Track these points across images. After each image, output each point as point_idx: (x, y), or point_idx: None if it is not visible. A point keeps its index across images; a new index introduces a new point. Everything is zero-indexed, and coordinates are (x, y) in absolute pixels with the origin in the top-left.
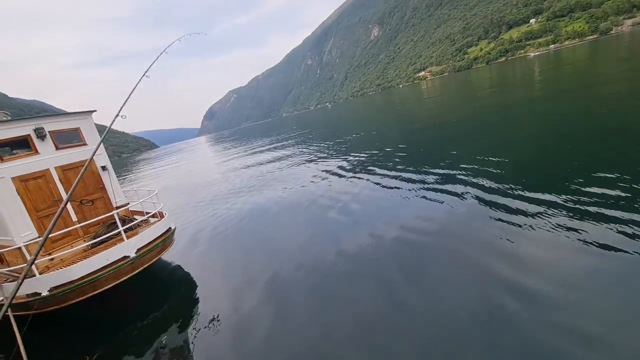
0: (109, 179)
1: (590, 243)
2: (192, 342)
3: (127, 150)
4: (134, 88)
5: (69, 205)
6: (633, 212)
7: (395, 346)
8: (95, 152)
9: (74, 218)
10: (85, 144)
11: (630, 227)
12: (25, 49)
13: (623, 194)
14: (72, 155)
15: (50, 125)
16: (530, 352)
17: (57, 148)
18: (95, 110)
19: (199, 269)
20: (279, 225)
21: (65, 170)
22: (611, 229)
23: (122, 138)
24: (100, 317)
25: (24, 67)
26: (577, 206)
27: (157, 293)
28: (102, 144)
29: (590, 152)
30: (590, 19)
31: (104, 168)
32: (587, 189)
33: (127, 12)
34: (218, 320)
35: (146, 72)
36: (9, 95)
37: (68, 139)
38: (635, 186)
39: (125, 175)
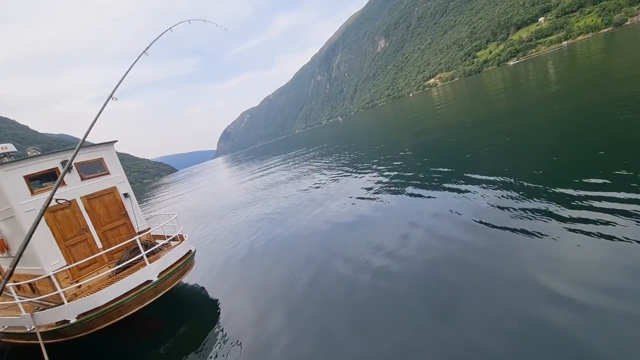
0: (131, 206)
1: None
2: None
3: (148, 175)
4: (134, 63)
5: (93, 233)
6: None
7: None
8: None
9: (99, 245)
10: (108, 173)
11: None
12: (54, 87)
13: None
14: (96, 184)
15: (75, 157)
16: None
17: (82, 179)
18: (116, 141)
19: (220, 290)
20: (299, 246)
21: (90, 200)
22: None
23: (143, 164)
24: (125, 343)
25: (53, 104)
26: (608, 214)
27: (180, 316)
28: (123, 172)
29: (621, 155)
30: (603, 12)
31: (126, 195)
32: (621, 194)
33: (144, 45)
34: (240, 343)
35: (146, 49)
36: (39, 132)
37: (92, 169)
38: None
39: (147, 199)
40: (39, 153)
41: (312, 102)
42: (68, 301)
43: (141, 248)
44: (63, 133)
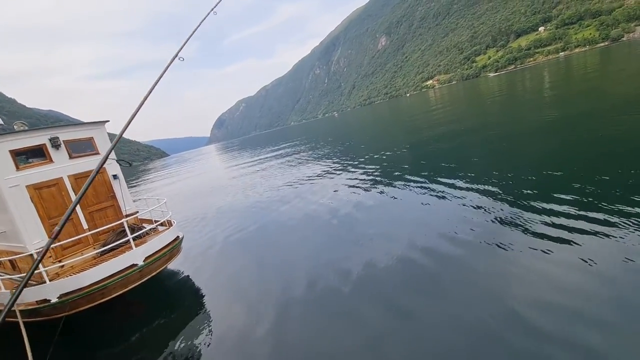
0: (120, 188)
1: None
2: (197, 352)
3: (138, 158)
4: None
5: (80, 213)
6: None
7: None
8: (104, 160)
9: (85, 225)
10: (98, 153)
11: None
12: (46, 60)
13: None
14: (85, 164)
15: (65, 134)
16: None
17: (70, 157)
18: (108, 121)
19: (206, 279)
20: (288, 237)
21: (78, 179)
22: None
23: (133, 146)
24: (107, 325)
25: (44, 78)
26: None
27: (164, 302)
28: (113, 152)
29: (619, 166)
30: (601, 26)
31: (115, 177)
32: (618, 207)
33: (141, 24)
34: (222, 333)
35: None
36: (27, 106)
37: (82, 148)
38: None
39: (136, 182)
40: (27, 128)
41: (309, 95)
42: (50, 280)
43: (128, 231)
44: (52, 109)
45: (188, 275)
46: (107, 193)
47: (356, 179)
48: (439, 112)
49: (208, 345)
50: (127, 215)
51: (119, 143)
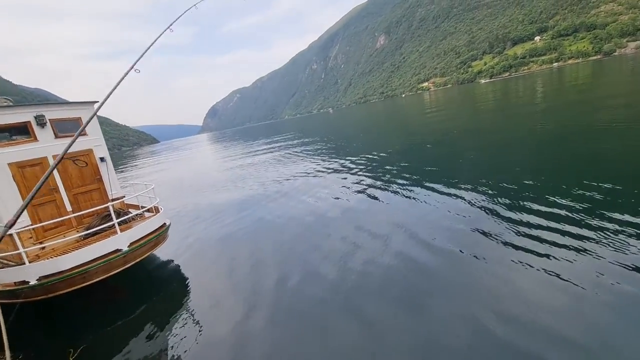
0: (107, 171)
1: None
2: (179, 339)
3: (127, 143)
4: (158, 37)
5: (63, 195)
6: None
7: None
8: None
9: (68, 208)
10: (85, 134)
11: None
12: (36, 37)
13: None
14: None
15: (51, 113)
16: None
17: (56, 136)
18: (97, 102)
19: (192, 268)
20: (275, 229)
21: (64, 159)
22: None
23: (123, 131)
24: (88, 309)
25: (33, 55)
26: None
27: (147, 288)
28: (101, 134)
29: (611, 173)
30: (595, 39)
31: (102, 159)
32: (606, 214)
33: (141, 7)
34: (204, 323)
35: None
36: (14, 82)
37: (68, 128)
38: None
39: (124, 167)
40: (11, 104)
41: (305, 89)
42: (29, 262)
43: (113, 215)
44: (40, 87)
45: (173, 263)
46: (94, 176)
47: (346, 178)
48: (433, 115)
49: (190, 333)
50: (113, 200)
51: (108, 127)
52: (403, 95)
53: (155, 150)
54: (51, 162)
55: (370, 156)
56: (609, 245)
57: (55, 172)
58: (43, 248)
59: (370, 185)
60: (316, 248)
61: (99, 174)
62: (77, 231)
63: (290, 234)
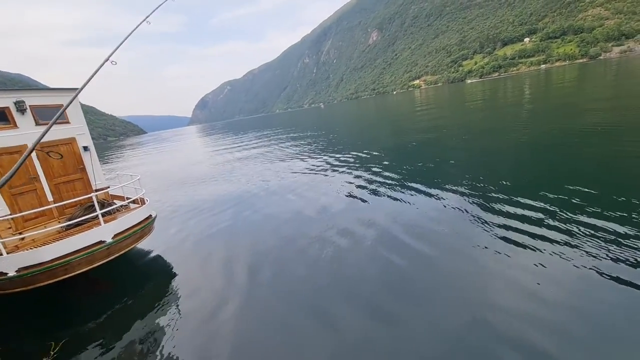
0: (91, 161)
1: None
2: (163, 334)
3: (113, 133)
4: (134, 30)
5: (44, 184)
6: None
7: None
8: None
9: (50, 198)
10: (68, 122)
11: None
12: (20, 20)
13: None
14: (52, 132)
15: (32, 99)
16: None
17: (37, 124)
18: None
19: (177, 262)
20: (263, 222)
21: (45, 148)
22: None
23: (109, 121)
24: (71, 302)
25: (18, 38)
26: (574, 225)
27: (132, 281)
28: (85, 123)
29: (597, 172)
30: (582, 43)
31: (85, 148)
32: (590, 210)
33: None
34: (192, 313)
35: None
36: None
37: (50, 115)
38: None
39: (110, 158)
40: None
41: (296, 83)
42: (8, 253)
43: (97, 206)
44: (21, 73)
45: (159, 256)
46: (76, 165)
47: (334, 177)
48: (423, 114)
49: (174, 325)
50: (97, 190)
51: (93, 116)
52: (394, 93)
53: (143, 141)
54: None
55: (358, 153)
56: (591, 241)
57: (36, 160)
58: (23, 239)
59: (356, 184)
60: (299, 247)
61: (82, 164)
62: (59, 222)
63: (275, 228)
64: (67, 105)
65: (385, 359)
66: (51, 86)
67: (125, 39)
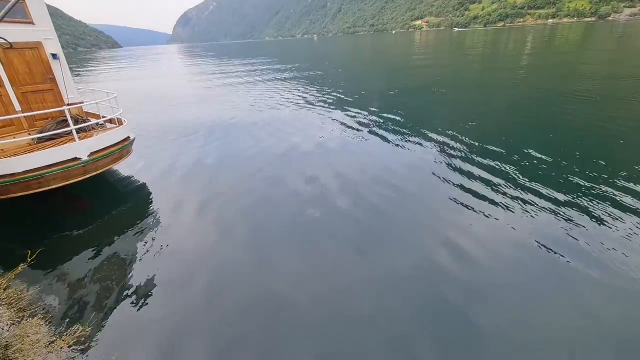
0: (61, 71)
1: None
2: (140, 252)
3: (84, 44)
4: None
5: (11, 93)
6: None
7: (345, 297)
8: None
9: (18, 107)
10: (32, 23)
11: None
12: None
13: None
14: (15, 33)
15: None
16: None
17: None
18: None
19: (156, 183)
20: (245, 154)
21: (7, 50)
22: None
23: (79, 28)
24: (48, 217)
25: None
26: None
27: (110, 201)
28: (53, 27)
29: (583, 136)
30: None
31: (54, 56)
32: (568, 177)
33: None
34: (171, 233)
35: None
36: None
37: (10, 12)
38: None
39: (81, 71)
40: None
41: (290, 9)
42: None
43: (70, 121)
44: None
45: (137, 179)
46: (45, 74)
47: (322, 115)
48: (420, 59)
49: (151, 246)
50: (70, 105)
51: (60, 20)
52: (393, 32)
53: (117, 56)
54: None
55: (346, 96)
56: (542, 213)
57: None
58: None
59: (345, 124)
60: (279, 183)
61: (52, 74)
62: (29, 134)
63: (255, 166)
64: None
65: (353, 283)
66: None
67: None
